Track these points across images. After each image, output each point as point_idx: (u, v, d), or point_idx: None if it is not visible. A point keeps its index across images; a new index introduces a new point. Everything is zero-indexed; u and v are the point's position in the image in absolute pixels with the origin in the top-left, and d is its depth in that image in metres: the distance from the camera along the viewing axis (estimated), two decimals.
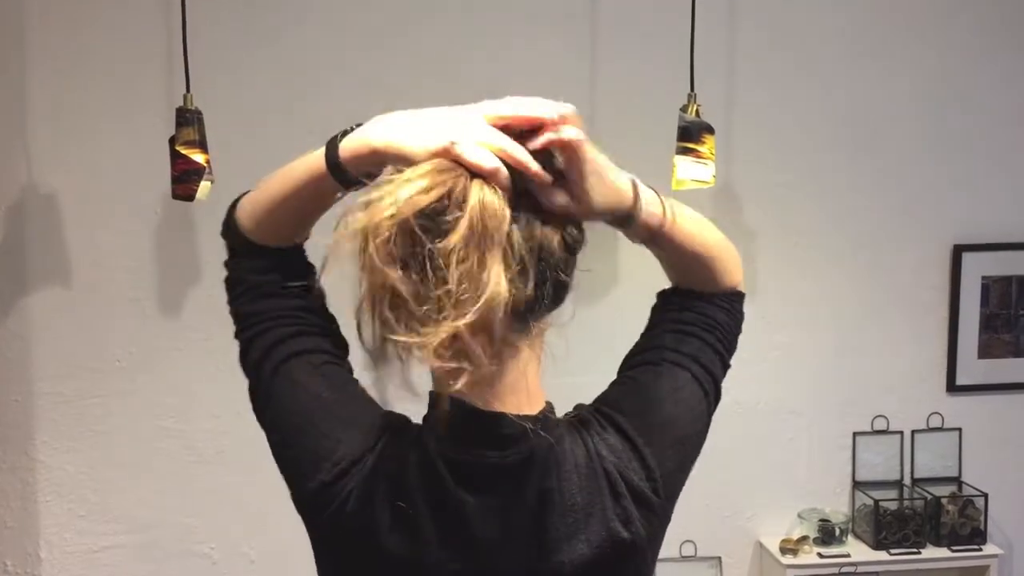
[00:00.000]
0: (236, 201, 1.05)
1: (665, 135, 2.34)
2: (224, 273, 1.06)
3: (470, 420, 0.93)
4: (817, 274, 2.78)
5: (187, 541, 2.65)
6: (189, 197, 2.19)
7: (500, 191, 0.86)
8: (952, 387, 2.84)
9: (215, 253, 1.10)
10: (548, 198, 0.91)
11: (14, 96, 2.52)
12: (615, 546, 0.95)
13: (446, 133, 0.87)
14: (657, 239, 1.01)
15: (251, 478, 2.43)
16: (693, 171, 2.28)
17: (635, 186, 0.97)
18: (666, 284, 1.12)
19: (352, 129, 0.94)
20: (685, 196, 2.52)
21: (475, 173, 0.85)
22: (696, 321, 1.06)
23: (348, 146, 0.93)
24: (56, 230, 2.55)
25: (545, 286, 0.91)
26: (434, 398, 0.97)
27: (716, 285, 1.08)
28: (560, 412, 1.01)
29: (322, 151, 0.95)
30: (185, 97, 2.21)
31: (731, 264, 1.09)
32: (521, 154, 0.88)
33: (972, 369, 2.84)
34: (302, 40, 2.57)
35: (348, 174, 0.94)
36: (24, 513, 2.62)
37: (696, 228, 1.05)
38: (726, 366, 1.09)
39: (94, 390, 2.59)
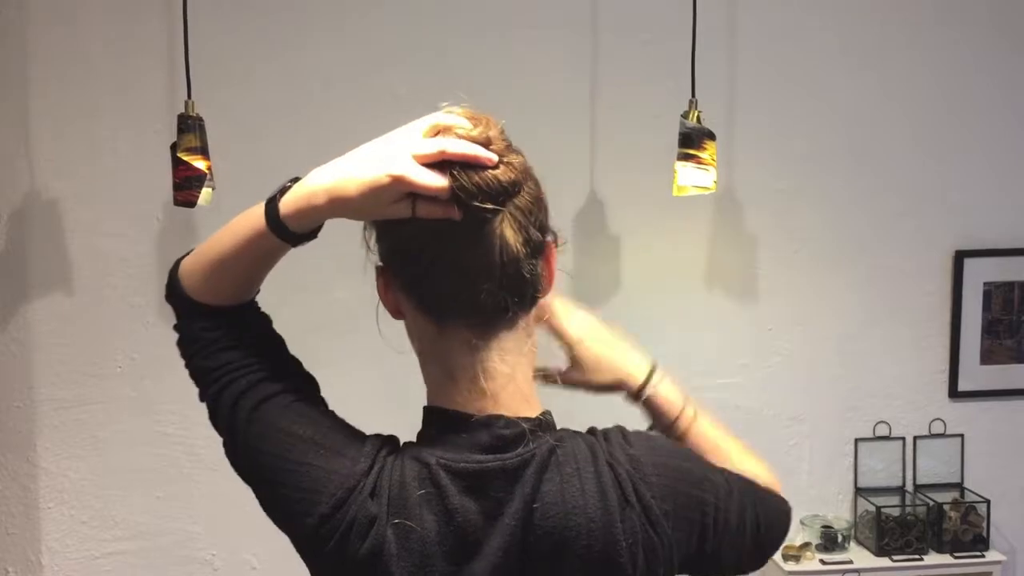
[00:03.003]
0: (178, 262, 1.03)
1: (666, 141, 2.34)
2: (176, 336, 1.03)
3: (467, 426, 0.93)
4: (818, 280, 2.78)
5: (189, 548, 2.65)
6: (190, 204, 2.19)
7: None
8: (954, 393, 2.84)
9: None
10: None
11: (17, 102, 2.52)
12: (618, 552, 0.94)
13: (386, 164, 0.87)
14: (670, 431, 1.13)
15: None
16: (694, 177, 2.28)
17: (651, 371, 1.13)
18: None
19: (290, 185, 0.93)
20: (686, 201, 2.55)
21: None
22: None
23: (289, 200, 0.92)
24: (58, 236, 2.55)
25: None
26: (429, 412, 0.97)
27: None
28: (561, 418, 1.00)
29: (262, 207, 0.94)
30: (187, 104, 2.21)
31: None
32: (462, 148, 0.87)
33: (974, 375, 2.83)
34: (305, 47, 2.57)
35: (290, 230, 0.93)
36: (26, 520, 2.62)
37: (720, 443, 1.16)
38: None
39: (95, 396, 2.60)
